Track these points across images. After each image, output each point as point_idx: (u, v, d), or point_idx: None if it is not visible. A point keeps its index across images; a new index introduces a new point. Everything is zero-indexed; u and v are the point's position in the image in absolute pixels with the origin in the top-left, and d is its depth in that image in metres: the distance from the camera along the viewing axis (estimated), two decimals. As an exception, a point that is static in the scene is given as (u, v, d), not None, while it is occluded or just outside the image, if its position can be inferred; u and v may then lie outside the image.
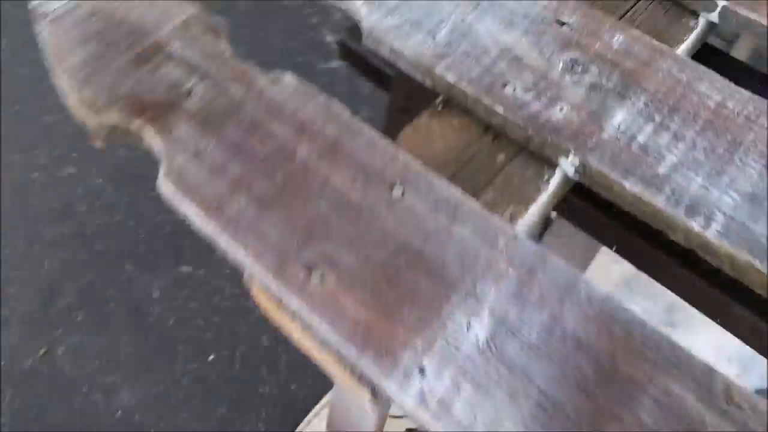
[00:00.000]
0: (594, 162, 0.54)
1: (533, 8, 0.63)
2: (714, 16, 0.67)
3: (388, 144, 0.54)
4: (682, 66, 0.61)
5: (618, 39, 0.62)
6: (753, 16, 0.65)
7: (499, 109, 0.57)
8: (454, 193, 0.52)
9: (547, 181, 0.56)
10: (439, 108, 0.60)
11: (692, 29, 0.68)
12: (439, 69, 0.59)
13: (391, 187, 0.52)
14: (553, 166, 0.56)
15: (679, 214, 0.52)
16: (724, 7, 0.66)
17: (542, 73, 0.59)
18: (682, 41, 0.66)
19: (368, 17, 0.62)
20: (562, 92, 0.58)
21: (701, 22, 0.68)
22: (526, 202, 0.55)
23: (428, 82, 0.60)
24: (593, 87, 0.59)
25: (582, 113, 0.57)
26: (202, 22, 0.60)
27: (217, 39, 0.60)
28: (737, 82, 0.60)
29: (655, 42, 0.63)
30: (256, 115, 0.54)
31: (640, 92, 0.59)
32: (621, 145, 0.55)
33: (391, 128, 0.89)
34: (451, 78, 0.58)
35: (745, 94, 0.59)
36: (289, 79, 0.57)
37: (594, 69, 0.60)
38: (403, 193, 0.51)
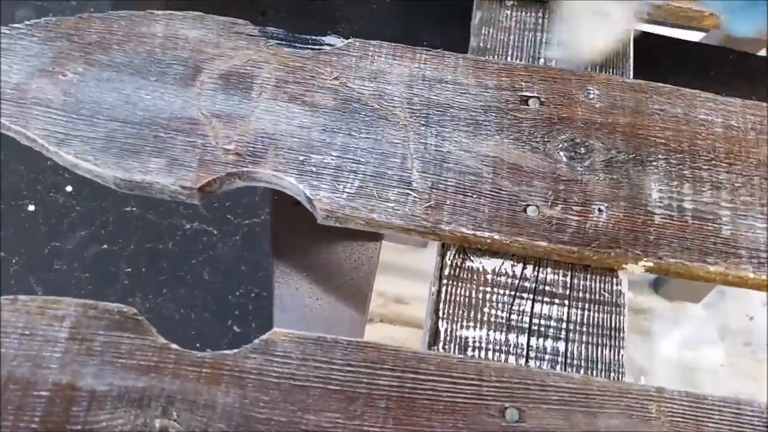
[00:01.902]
0: (668, 257, 0.47)
1: (488, 95, 0.53)
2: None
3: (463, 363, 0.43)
4: (669, 97, 0.54)
5: (593, 92, 0.54)
6: (684, 4, 0.60)
7: (541, 243, 0.47)
8: (565, 380, 0.42)
9: (620, 294, 0.48)
10: (462, 262, 0.49)
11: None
12: (446, 224, 0.47)
13: (502, 412, 0.41)
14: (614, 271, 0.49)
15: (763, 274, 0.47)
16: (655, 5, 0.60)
17: (551, 175, 0.50)
18: (627, 55, 0.60)
19: (319, 196, 0.48)
20: (586, 188, 0.50)
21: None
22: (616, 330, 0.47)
23: (432, 238, 0.49)
24: (609, 166, 0.51)
25: (620, 204, 0.49)
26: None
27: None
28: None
29: (627, 79, 0.56)
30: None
31: (654, 149, 0.52)
32: (679, 224, 0.49)
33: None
34: (465, 229, 0.47)
35: (736, 102, 0.55)
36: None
37: (595, 143, 0.52)
38: (519, 414, 0.41)
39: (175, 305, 1.55)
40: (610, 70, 0.58)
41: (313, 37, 0.67)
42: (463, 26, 0.63)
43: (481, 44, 0.58)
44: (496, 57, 0.57)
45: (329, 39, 0.68)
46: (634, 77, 0.58)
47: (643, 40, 0.65)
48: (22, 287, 1.45)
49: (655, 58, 0.69)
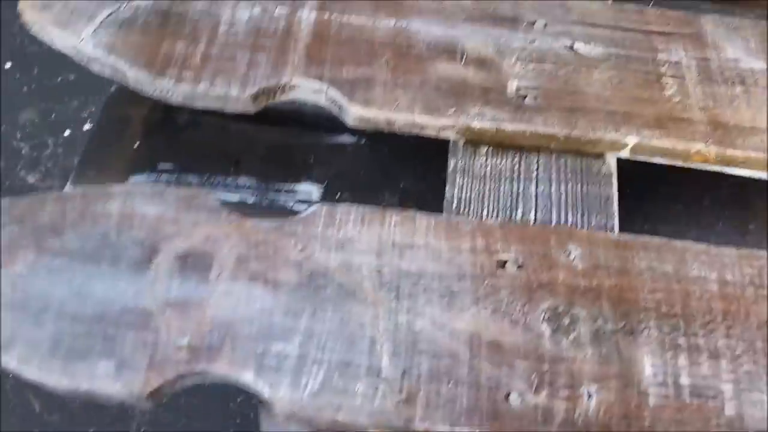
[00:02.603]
0: (666, 448, 0.43)
1: (462, 259, 0.50)
2: (625, 153, 0.59)
3: None
4: (657, 252, 0.51)
5: (575, 253, 0.51)
6: (668, 143, 0.57)
7: (526, 439, 0.43)
8: None
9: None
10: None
11: (607, 175, 0.58)
12: (420, 420, 0.43)
13: None
14: (608, 459, 0.44)
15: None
16: (636, 143, 0.57)
17: (534, 352, 0.46)
18: (611, 199, 0.57)
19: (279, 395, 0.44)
20: (572, 367, 0.46)
21: (610, 162, 0.59)
22: None
23: None
24: (597, 338, 0.47)
25: (611, 386, 0.45)
26: None
27: None
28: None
29: (610, 235, 0.52)
30: None
31: (644, 315, 0.48)
32: (675, 405, 0.44)
33: None
34: (442, 425, 0.43)
35: (730, 252, 0.51)
36: None
37: (580, 311, 0.48)
38: None
39: (175, 413, 1.51)
40: (594, 215, 0.55)
41: (287, 186, 0.66)
42: (442, 168, 0.61)
43: (455, 194, 0.56)
44: (471, 210, 0.54)
45: (304, 186, 0.66)
46: (620, 206, 0.55)
47: (630, 168, 0.62)
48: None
49: (643, 187, 0.66)
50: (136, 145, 0.67)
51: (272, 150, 0.68)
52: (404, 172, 0.67)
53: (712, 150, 0.57)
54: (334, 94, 0.58)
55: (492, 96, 0.58)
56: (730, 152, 0.57)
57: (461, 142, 0.59)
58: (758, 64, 0.61)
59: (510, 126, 0.57)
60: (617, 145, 0.57)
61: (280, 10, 0.61)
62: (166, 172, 0.66)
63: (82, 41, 0.58)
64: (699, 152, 0.57)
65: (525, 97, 0.58)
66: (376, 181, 0.66)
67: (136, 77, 0.58)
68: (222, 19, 0.60)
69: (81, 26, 0.59)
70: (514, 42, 0.61)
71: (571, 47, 0.61)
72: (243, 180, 0.65)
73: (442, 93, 0.58)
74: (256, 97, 0.57)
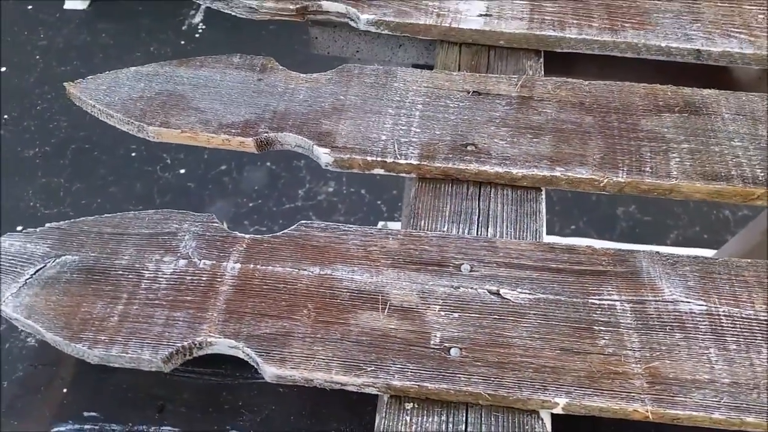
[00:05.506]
0: None
1: None
2: (558, 411, 0.55)
3: None
4: None
5: None
6: (601, 403, 0.53)
7: None
8: None
9: None
10: None
11: (544, 433, 0.54)
12: None
13: None
14: None
15: None
16: (567, 404, 0.54)
17: None
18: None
19: None
20: None
21: (545, 420, 0.55)
22: None
23: None
24: None
25: None
26: None
27: None
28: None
29: None
30: None
31: None
32: None
33: None
34: None
35: None
36: None
37: None
38: None
39: None
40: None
41: (212, 436, 0.63)
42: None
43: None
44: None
45: (229, 437, 0.63)
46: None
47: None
48: None
49: None
50: (64, 391, 0.66)
51: (200, 392, 0.66)
52: (337, 415, 0.64)
53: (651, 410, 0.53)
54: (250, 351, 0.56)
55: (414, 350, 0.56)
56: (671, 412, 0.53)
57: (386, 397, 0.56)
58: (697, 306, 0.58)
59: (432, 384, 0.54)
60: (548, 404, 0.54)
61: (205, 262, 0.62)
62: (91, 420, 0.64)
63: (3, 303, 0.58)
64: (637, 411, 0.53)
65: (449, 350, 0.56)
66: (307, 424, 0.63)
67: (53, 340, 0.57)
68: (145, 274, 0.61)
69: (5, 286, 0.60)
70: (438, 288, 0.60)
71: (497, 293, 0.59)
72: (165, 430, 0.62)
73: (362, 347, 0.56)
74: (169, 359, 0.56)
